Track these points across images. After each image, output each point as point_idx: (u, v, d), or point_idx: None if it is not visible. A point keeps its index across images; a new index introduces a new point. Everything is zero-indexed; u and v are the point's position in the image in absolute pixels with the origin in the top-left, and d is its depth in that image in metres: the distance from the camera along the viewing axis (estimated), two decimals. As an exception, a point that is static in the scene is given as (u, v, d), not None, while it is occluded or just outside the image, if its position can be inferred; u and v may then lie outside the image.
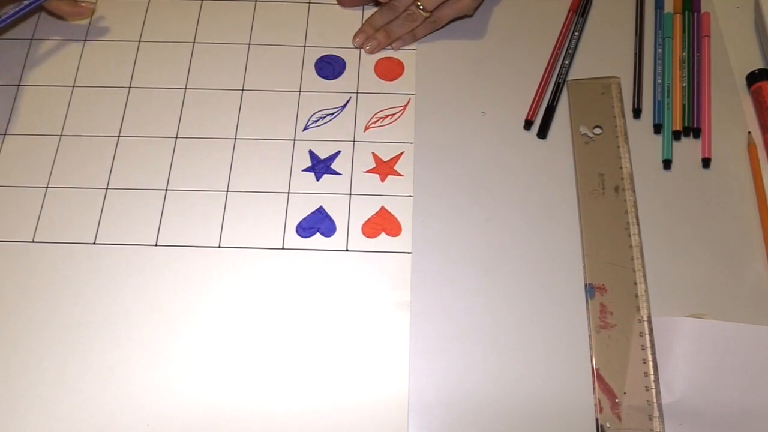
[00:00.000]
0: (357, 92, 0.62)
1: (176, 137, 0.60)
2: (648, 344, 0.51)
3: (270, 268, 0.54)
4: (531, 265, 0.55)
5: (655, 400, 0.49)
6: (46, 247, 0.55)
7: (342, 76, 0.63)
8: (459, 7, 0.63)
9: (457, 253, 0.55)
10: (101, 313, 0.53)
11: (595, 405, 0.50)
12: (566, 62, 0.63)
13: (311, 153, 0.59)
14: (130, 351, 0.51)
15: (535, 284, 0.54)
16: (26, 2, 0.57)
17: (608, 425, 0.49)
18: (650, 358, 0.50)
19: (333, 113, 0.61)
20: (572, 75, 0.63)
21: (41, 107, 0.61)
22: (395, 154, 0.59)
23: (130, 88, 0.62)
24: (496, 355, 0.51)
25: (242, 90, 0.62)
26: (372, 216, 0.56)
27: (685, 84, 0.62)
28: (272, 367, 0.51)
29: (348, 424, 0.49)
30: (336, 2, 0.66)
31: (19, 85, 0.62)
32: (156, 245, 0.55)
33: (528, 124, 0.61)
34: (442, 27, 0.64)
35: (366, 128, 0.60)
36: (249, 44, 0.64)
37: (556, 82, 0.62)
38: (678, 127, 0.60)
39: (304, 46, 0.64)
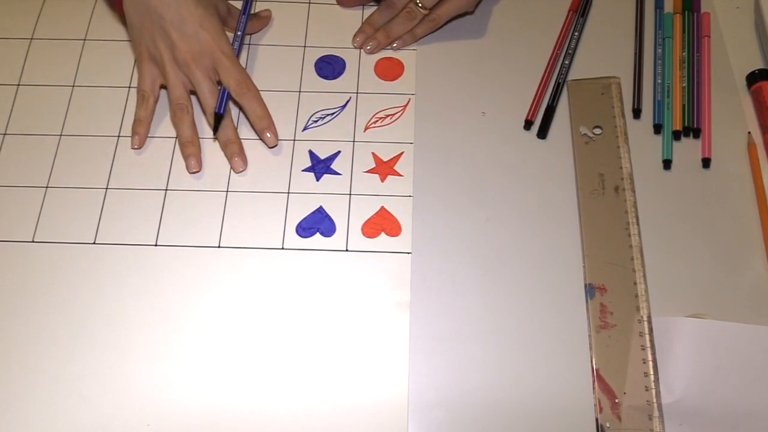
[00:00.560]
0: (357, 92, 0.62)
1: (176, 137, 0.60)
2: (648, 344, 0.51)
3: (270, 268, 0.54)
4: (531, 265, 0.55)
5: (655, 400, 0.49)
6: (45, 247, 0.55)
7: (342, 76, 0.63)
8: (458, 4, 0.62)
9: (456, 253, 0.55)
10: (101, 313, 0.53)
11: (595, 405, 0.50)
12: (566, 62, 0.63)
13: (311, 153, 0.59)
14: (130, 351, 0.51)
15: (535, 284, 0.54)
16: (239, 32, 0.62)
17: (608, 425, 0.49)
18: (650, 358, 0.50)
19: (333, 113, 0.61)
20: (572, 75, 0.63)
21: (41, 107, 0.61)
22: (395, 154, 0.59)
23: (129, 88, 0.62)
24: (495, 355, 0.51)
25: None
26: (372, 216, 0.56)
27: (685, 84, 0.62)
28: (272, 367, 0.51)
29: (348, 424, 0.49)
30: (336, 2, 0.66)
31: (18, 85, 0.62)
32: (156, 245, 0.55)
33: (528, 124, 0.61)
34: (442, 26, 0.64)
35: (366, 128, 0.60)
36: (249, 44, 0.64)
37: (556, 82, 0.62)
38: (678, 127, 0.60)
39: (304, 46, 0.64)
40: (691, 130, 0.60)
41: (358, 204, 0.57)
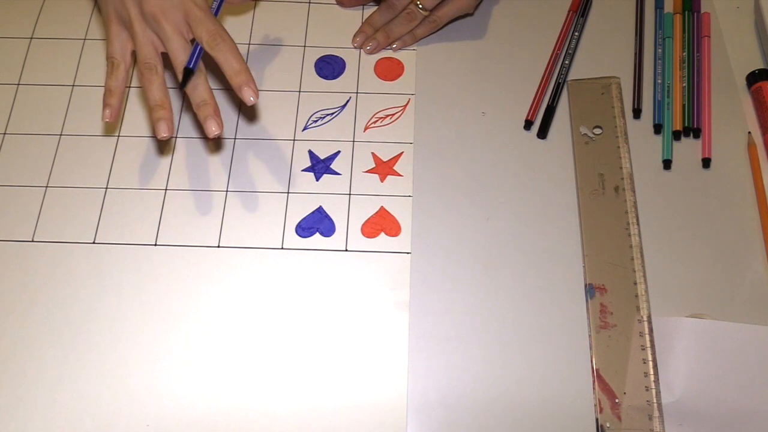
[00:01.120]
0: (357, 92, 0.62)
1: (176, 137, 0.60)
2: (648, 344, 0.51)
3: (269, 268, 0.54)
4: (531, 265, 0.55)
5: (655, 400, 0.49)
6: (45, 247, 0.55)
7: (342, 76, 0.63)
8: (458, 6, 0.63)
9: (456, 253, 0.55)
10: (101, 312, 0.53)
11: (595, 405, 0.50)
12: (566, 62, 0.63)
13: (311, 153, 0.59)
14: (130, 350, 0.51)
15: (535, 284, 0.54)
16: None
17: (608, 425, 0.49)
18: (650, 358, 0.50)
19: (333, 113, 0.61)
20: (572, 75, 0.63)
21: (41, 106, 0.61)
22: (395, 154, 0.59)
23: (129, 87, 0.62)
24: (495, 356, 0.51)
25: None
26: (371, 216, 0.56)
27: (685, 84, 0.62)
28: (271, 366, 0.51)
29: (347, 423, 0.49)
30: (336, 2, 0.66)
31: (18, 84, 0.62)
32: (155, 245, 0.55)
33: (528, 124, 0.61)
34: (442, 27, 0.64)
35: (366, 128, 0.60)
36: (249, 44, 0.64)
37: (556, 82, 0.62)
38: (678, 127, 0.60)
39: (304, 46, 0.64)
40: (691, 130, 0.60)
41: (358, 204, 0.57)
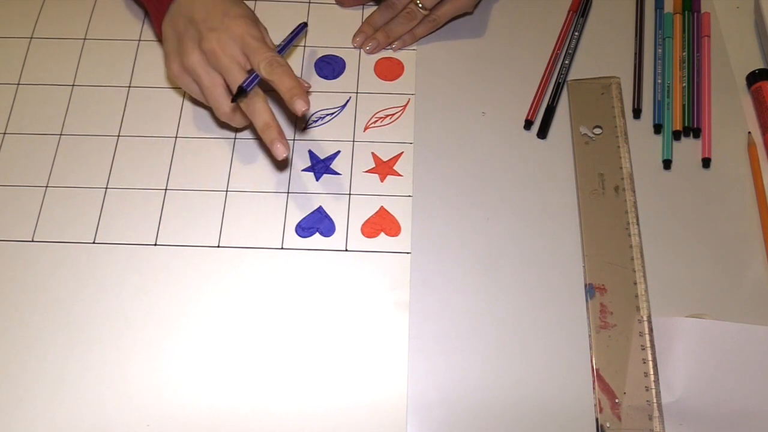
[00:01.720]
0: (357, 92, 0.62)
1: (176, 137, 0.60)
2: (648, 344, 0.51)
3: (269, 267, 0.54)
4: (531, 265, 0.55)
5: (655, 400, 0.49)
6: (45, 247, 0.55)
7: (342, 76, 0.63)
8: (458, 5, 0.63)
9: (456, 253, 0.55)
10: (101, 312, 0.53)
11: (595, 405, 0.50)
12: (566, 62, 0.63)
13: (311, 153, 0.59)
14: (130, 350, 0.51)
15: (535, 284, 0.54)
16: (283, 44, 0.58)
17: (608, 425, 0.49)
18: (650, 358, 0.50)
19: (333, 113, 0.61)
20: (572, 75, 0.63)
21: (41, 106, 0.61)
22: (395, 154, 0.59)
23: (129, 87, 0.62)
24: (495, 356, 0.51)
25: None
26: (371, 216, 0.56)
27: (685, 84, 0.62)
28: (271, 366, 0.51)
29: (346, 423, 0.49)
30: (335, 2, 0.66)
31: (18, 84, 0.62)
32: (155, 245, 0.55)
33: (528, 124, 0.61)
34: (442, 26, 0.64)
35: (366, 128, 0.60)
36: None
37: (556, 82, 0.62)
38: (678, 127, 0.60)
39: (304, 46, 0.64)
40: (691, 130, 0.60)
41: (358, 204, 0.57)
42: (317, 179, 0.58)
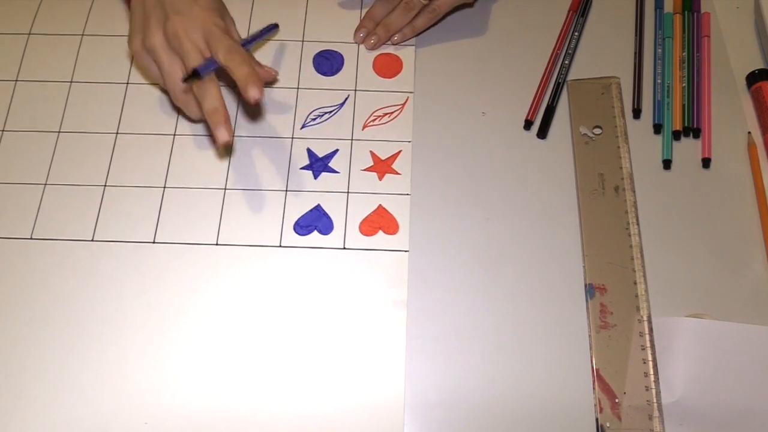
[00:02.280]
0: (355, 90, 0.62)
1: (174, 134, 0.60)
2: (648, 344, 0.51)
3: (267, 265, 0.54)
4: (531, 264, 0.54)
5: (655, 400, 0.49)
6: (44, 244, 0.55)
7: (340, 72, 0.62)
8: None
9: (454, 252, 0.55)
10: (99, 310, 0.52)
11: (595, 405, 0.49)
12: (566, 62, 0.63)
13: (309, 151, 0.59)
14: (128, 348, 0.51)
15: (535, 284, 0.54)
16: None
17: (608, 425, 0.49)
18: (650, 358, 0.50)
19: (331, 111, 0.61)
20: (572, 75, 0.63)
21: (39, 103, 0.61)
22: (393, 153, 0.59)
23: (128, 84, 0.62)
24: (494, 355, 0.51)
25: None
26: (369, 214, 0.56)
27: (685, 84, 0.62)
28: (269, 365, 0.51)
29: (344, 423, 0.49)
30: None
31: (16, 81, 0.62)
32: (154, 242, 0.55)
33: (528, 124, 0.61)
34: (442, 18, 0.64)
35: (364, 126, 0.60)
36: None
37: (556, 82, 0.62)
38: (678, 127, 0.60)
39: (302, 41, 0.64)
40: (691, 130, 0.60)
41: (356, 202, 0.57)
42: (315, 177, 0.58)
